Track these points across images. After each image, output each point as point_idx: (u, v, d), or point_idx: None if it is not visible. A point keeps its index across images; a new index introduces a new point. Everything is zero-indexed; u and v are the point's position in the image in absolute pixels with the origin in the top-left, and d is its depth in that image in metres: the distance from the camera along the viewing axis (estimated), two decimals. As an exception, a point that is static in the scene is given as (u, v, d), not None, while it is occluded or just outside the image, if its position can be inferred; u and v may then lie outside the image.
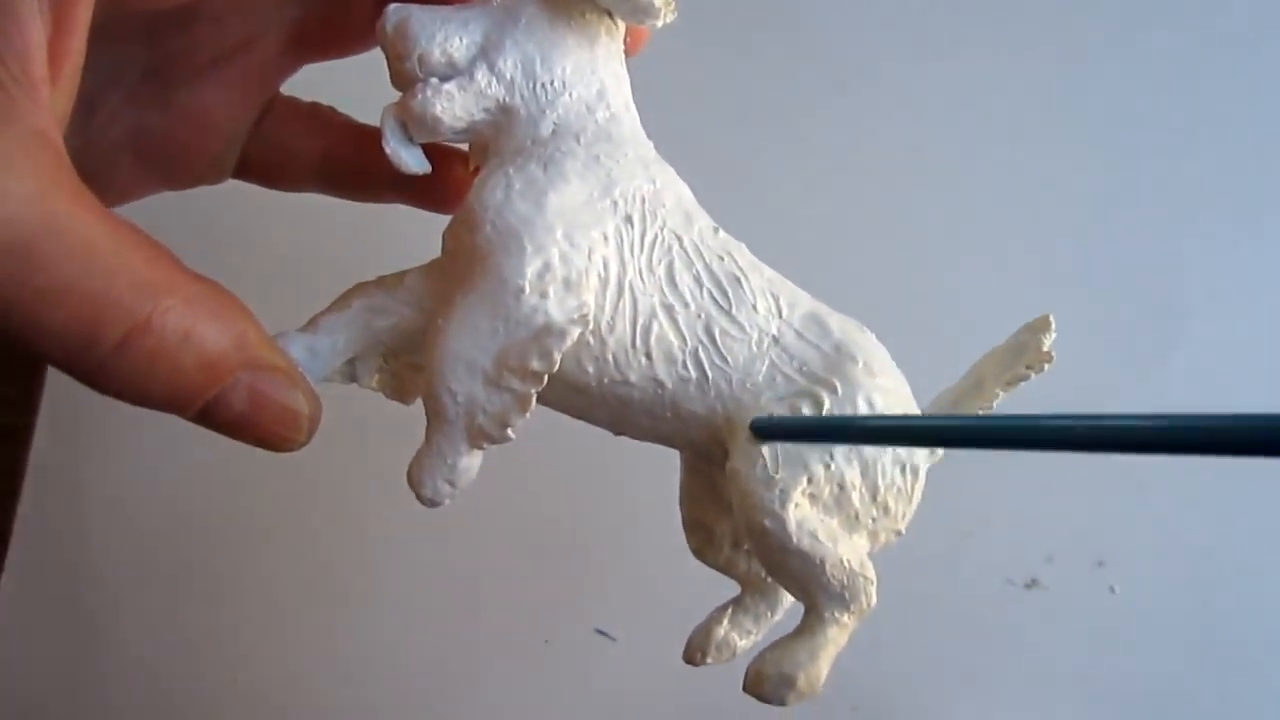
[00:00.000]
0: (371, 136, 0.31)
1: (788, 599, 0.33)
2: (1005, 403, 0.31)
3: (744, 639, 0.33)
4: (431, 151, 0.31)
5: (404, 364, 0.31)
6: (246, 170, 0.36)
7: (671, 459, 0.34)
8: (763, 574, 0.32)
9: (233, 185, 0.37)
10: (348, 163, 0.36)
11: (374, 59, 0.31)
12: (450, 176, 0.34)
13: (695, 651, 0.32)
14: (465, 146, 0.33)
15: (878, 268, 0.54)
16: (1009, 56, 0.56)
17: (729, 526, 0.33)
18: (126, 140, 0.33)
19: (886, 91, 0.56)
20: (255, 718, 0.54)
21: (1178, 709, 0.53)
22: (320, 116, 0.36)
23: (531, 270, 0.27)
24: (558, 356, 0.27)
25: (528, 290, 0.27)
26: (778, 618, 0.34)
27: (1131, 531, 0.54)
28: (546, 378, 0.28)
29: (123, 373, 0.24)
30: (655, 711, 0.52)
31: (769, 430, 0.29)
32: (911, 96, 0.56)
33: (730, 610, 0.33)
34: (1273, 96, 0.56)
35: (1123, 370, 0.54)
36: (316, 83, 0.36)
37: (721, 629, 0.33)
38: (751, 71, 0.57)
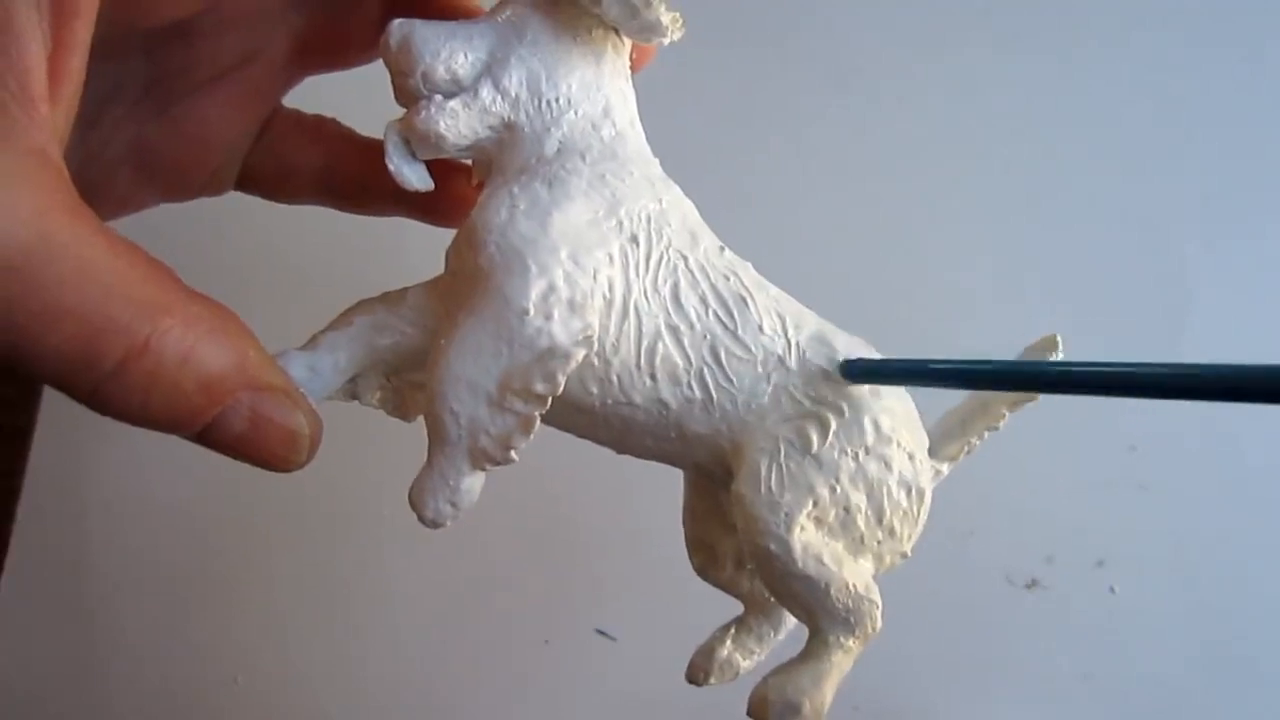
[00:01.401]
0: (374, 149, 0.31)
1: (792, 619, 0.33)
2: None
3: (747, 659, 0.33)
4: (435, 165, 0.30)
5: (406, 382, 0.31)
6: (248, 182, 0.36)
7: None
8: (766, 594, 0.31)
9: (234, 197, 0.36)
10: (350, 176, 0.36)
11: (378, 71, 0.31)
12: (454, 191, 0.34)
13: (698, 672, 0.32)
14: (469, 160, 0.33)
15: (880, 274, 0.54)
16: (1009, 56, 0.56)
17: (732, 545, 0.33)
18: (127, 154, 0.33)
19: (887, 98, 0.56)
20: (256, 718, 0.54)
21: (1178, 709, 0.53)
22: (323, 129, 0.36)
23: (536, 291, 0.27)
24: (562, 379, 0.27)
25: (532, 312, 0.27)
26: (781, 637, 0.33)
27: (1131, 531, 0.54)
28: (550, 399, 0.27)
29: (121, 395, 0.24)
30: (655, 712, 0.52)
31: (858, 372, 0.29)
32: (911, 97, 0.56)
33: (733, 630, 0.33)
34: (1273, 96, 0.56)
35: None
36: (320, 95, 0.36)
37: (725, 649, 0.32)
38: (753, 80, 0.56)
